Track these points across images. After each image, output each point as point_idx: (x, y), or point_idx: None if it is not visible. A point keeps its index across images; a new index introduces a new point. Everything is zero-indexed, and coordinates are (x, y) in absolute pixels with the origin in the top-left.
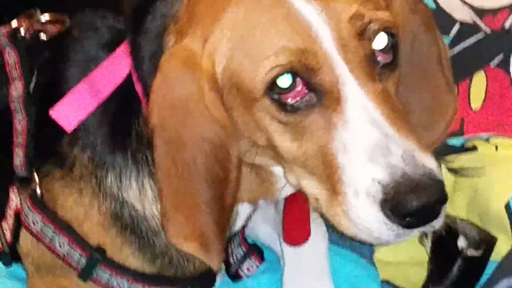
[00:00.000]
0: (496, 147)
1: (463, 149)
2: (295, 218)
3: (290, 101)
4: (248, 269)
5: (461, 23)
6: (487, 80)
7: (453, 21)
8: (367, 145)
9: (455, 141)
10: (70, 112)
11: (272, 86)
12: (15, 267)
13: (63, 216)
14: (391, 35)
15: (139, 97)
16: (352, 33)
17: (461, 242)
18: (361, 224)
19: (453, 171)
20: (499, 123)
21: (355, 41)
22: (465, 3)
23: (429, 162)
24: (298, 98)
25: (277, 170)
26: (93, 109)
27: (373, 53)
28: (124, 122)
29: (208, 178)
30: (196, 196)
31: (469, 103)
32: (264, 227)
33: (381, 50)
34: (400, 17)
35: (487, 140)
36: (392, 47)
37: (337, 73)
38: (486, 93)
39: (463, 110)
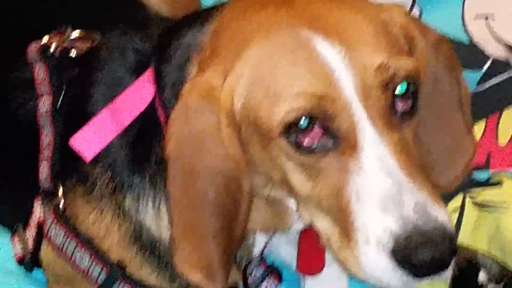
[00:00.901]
0: None
1: (488, 183)
2: (310, 248)
3: (306, 143)
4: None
5: (494, 59)
6: None
7: (486, 56)
8: (380, 194)
9: (481, 175)
10: (90, 141)
11: (288, 127)
12: (37, 272)
13: (84, 231)
14: (413, 82)
15: (160, 122)
16: (376, 83)
17: (482, 277)
18: (370, 272)
19: (477, 204)
20: None
21: (378, 91)
22: (499, 40)
23: (441, 214)
24: (314, 141)
25: (292, 203)
26: (113, 138)
27: (393, 101)
28: (144, 145)
29: (218, 210)
30: (205, 226)
31: (497, 138)
32: (286, 246)
33: (401, 96)
34: (423, 60)
35: None
36: (413, 93)
37: (355, 120)
38: None
39: (490, 144)
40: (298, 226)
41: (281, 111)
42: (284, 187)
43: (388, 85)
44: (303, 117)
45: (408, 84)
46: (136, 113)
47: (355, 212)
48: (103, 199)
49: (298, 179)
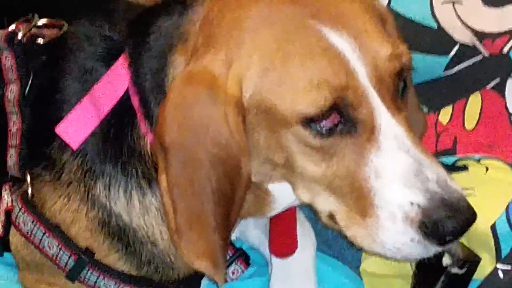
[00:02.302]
0: (487, 169)
1: (454, 168)
2: (282, 232)
3: (324, 128)
4: (233, 273)
5: (461, 45)
6: (482, 102)
7: (453, 42)
8: (402, 171)
9: (447, 160)
10: (75, 129)
11: (307, 116)
12: (8, 255)
13: (51, 218)
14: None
15: (134, 110)
16: (389, 71)
17: (446, 260)
18: (391, 245)
19: None
20: (491, 144)
21: (390, 78)
22: (467, 25)
23: (459, 187)
24: (331, 125)
25: (275, 189)
26: (96, 125)
27: (398, 86)
28: (117, 133)
29: (219, 197)
30: (208, 214)
31: (464, 122)
32: (254, 230)
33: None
34: None
35: (479, 160)
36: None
37: (373, 106)
38: (480, 114)
39: (457, 129)
40: (275, 212)
41: (302, 102)
42: (284, 170)
43: (398, 72)
44: (326, 109)
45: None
46: (114, 100)
47: (375, 190)
48: (70, 185)
49: (308, 161)
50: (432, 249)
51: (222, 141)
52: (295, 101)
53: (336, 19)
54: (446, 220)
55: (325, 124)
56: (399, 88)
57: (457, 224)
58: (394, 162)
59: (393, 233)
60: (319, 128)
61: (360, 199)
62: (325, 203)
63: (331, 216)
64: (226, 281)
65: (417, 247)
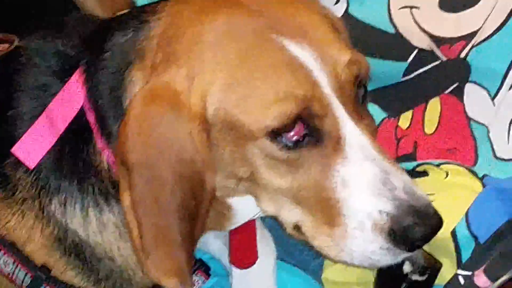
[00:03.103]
0: (447, 174)
1: (414, 173)
2: (242, 243)
3: (290, 141)
4: (193, 284)
5: (419, 50)
6: (441, 106)
7: (411, 47)
8: (369, 180)
9: (407, 165)
10: (31, 149)
11: (275, 129)
12: None
13: (6, 235)
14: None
15: (90, 127)
16: (348, 78)
17: (407, 267)
18: (359, 253)
19: None
20: (450, 149)
21: (351, 85)
22: (424, 31)
23: (424, 193)
24: (296, 137)
25: (235, 204)
26: (52, 144)
27: (358, 93)
28: (72, 149)
29: (184, 214)
30: (174, 231)
31: (423, 127)
32: (215, 241)
33: (359, 87)
34: None
35: (438, 165)
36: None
37: (337, 116)
38: (439, 118)
39: (417, 133)
40: (234, 226)
41: (268, 115)
42: (248, 183)
43: (357, 79)
44: (292, 120)
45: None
46: (70, 118)
47: (342, 200)
48: (24, 202)
49: (275, 173)
50: (401, 255)
51: (186, 157)
52: (261, 115)
53: (296, 30)
54: (414, 226)
55: (291, 136)
56: (360, 96)
57: (425, 230)
58: (361, 172)
59: (361, 241)
60: (285, 141)
61: (327, 209)
62: (291, 215)
63: (297, 227)
64: None
65: (386, 254)
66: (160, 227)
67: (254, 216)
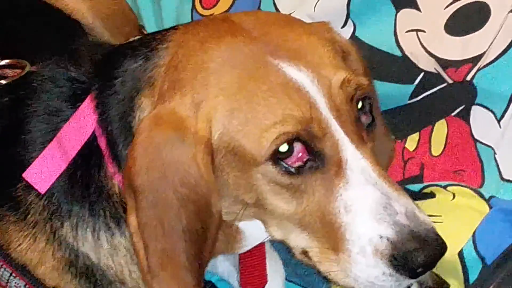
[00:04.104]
0: (454, 195)
1: (421, 195)
2: (252, 266)
3: (292, 165)
4: None
5: (426, 72)
6: (448, 129)
7: (418, 70)
8: (370, 205)
9: (414, 187)
10: (42, 174)
11: (275, 153)
12: None
13: (17, 258)
14: (369, 97)
15: (101, 152)
16: (343, 99)
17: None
18: (363, 278)
19: None
20: (457, 170)
21: (346, 106)
22: (430, 54)
23: (427, 218)
24: (299, 163)
25: (245, 228)
26: (63, 169)
27: (359, 115)
28: (84, 174)
29: (190, 237)
30: (180, 254)
31: (430, 149)
32: (223, 262)
33: (363, 111)
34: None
35: (445, 187)
36: (370, 109)
37: (337, 138)
38: (446, 141)
39: (424, 156)
40: (244, 249)
41: (270, 137)
42: (255, 209)
43: (352, 98)
44: (291, 141)
45: (365, 99)
46: (81, 143)
47: (345, 225)
48: (36, 226)
49: (280, 199)
50: (404, 282)
51: (191, 181)
52: (261, 138)
53: (294, 54)
54: (415, 252)
55: (294, 162)
56: (363, 120)
57: (426, 256)
58: (363, 196)
59: (364, 267)
60: (287, 166)
61: (332, 234)
62: (298, 240)
63: (304, 252)
64: None
65: (389, 280)
66: (165, 250)
67: (264, 239)
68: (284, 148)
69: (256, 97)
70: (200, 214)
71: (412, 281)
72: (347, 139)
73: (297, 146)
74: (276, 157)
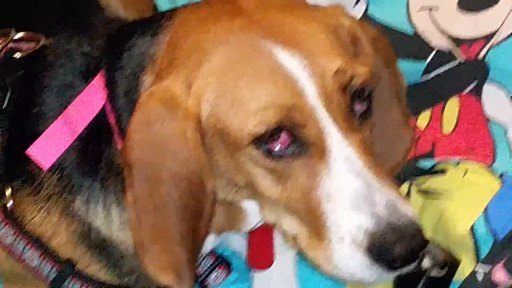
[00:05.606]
0: (465, 172)
1: (432, 171)
2: (259, 245)
3: (275, 150)
4: (214, 280)
5: (438, 50)
6: (460, 106)
7: (430, 48)
8: (351, 194)
9: (426, 163)
10: (46, 150)
11: (258, 137)
12: None
13: (32, 231)
14: (367, 85)
15: (111, 127)
16: (336, 88)
17: (426, 262)
18: (344, 268)
19: (422, 192)
20: (469, 147)
21: (338, 95)
22: (443, 31)
23: (409, 210)
24: (283, 147)
25: (247, 206)
26: (68, 146)
27: (352, 104)
28: (95, 149)
29: (183, 212)
30: (172, 229)
31: (442, 127)
32: (236, 236)
33: (358, 99)
34: (370, 61)
35: (457, 164)
36: (368, 96)
37: (322, 126)
38: (458, 118)
39: (435, 133)
40: (250, 227)
41: (251, 123)
42: (248, 190)
43: (346, 88)
44: (274, 127)
45: (363, 87)
46: (89, 119)
47: (326, 213)
48: (50, 199)
49: (266, 183)
50: (385, 274)
51: (181, 157)
52: (244, 122)
53: (289, 38)
54: (392, 245)
55: (276, 145)
56: (356, 109)
57: (403, 250)
58: (344, 185)
59: (344, 256)
60: (270, 149)
61: (316, 222)
62: (287, 225)
63: (294, 238)
64: (207, 287)
65: (369, 271)
66: (156, 224)
67: None
68: (266, 133)
69: (242, 80)
70: (193, 190)
71: (392, 274)
72: (334, 127)
73: (282, 132)
74: (259, 142)
